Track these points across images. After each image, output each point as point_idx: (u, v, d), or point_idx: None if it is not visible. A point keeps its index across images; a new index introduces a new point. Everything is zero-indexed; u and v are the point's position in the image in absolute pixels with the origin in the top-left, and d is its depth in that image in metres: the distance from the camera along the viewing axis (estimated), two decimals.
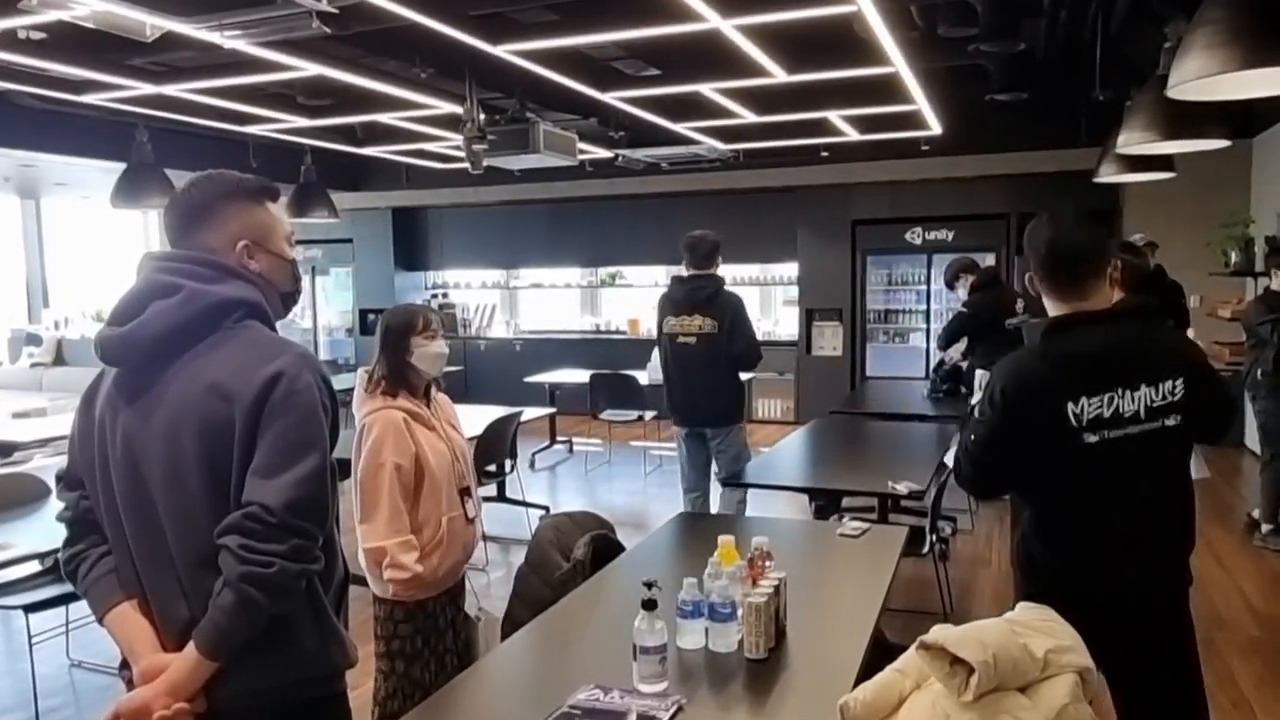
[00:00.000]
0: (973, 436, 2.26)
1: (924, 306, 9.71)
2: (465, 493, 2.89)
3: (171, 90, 5.56)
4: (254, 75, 5.25)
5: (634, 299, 11.60)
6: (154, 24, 3.87)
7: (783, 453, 4.71)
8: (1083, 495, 2.18)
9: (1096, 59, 6.02)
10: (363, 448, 2.67)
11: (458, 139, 6.91)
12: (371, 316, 11.04)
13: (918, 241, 9.55)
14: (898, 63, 5.25)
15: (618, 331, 11.27)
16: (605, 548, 3.00)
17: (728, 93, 6.14)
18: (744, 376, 5.24)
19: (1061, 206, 2.42)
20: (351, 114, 6.91)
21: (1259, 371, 5.29)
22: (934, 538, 3.97)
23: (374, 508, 2.65)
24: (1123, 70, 6.03)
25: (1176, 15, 4.81)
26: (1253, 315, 5.41)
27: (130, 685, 1.63)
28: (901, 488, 3.68)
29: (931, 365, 9.29)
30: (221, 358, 1.60)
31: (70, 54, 4.91)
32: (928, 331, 9.71)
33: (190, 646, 1.55)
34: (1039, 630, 1.83)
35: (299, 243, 12.21)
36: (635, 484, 7.53)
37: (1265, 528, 5.33)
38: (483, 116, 5.76)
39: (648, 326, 10.99)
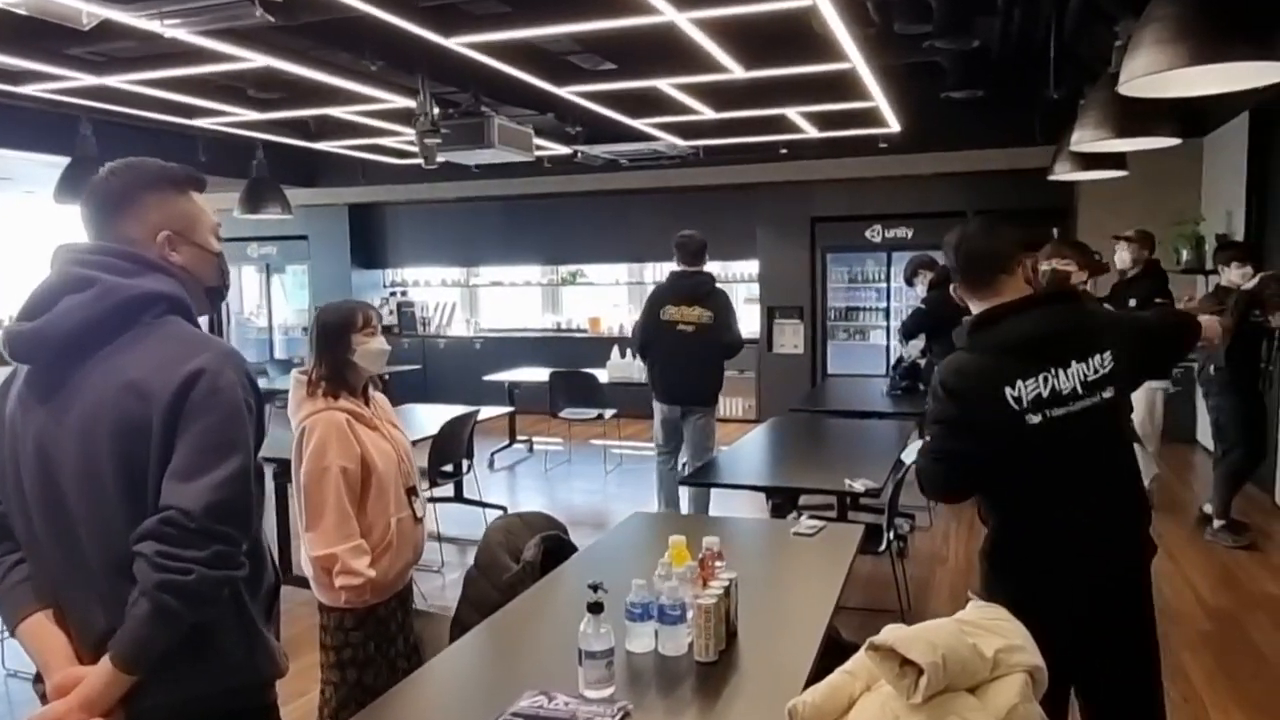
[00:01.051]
0: (928, 438, 2.30)
1: (884, 304, 9.76)
2: (411, 492, 2.82)
3: (114, 81, 5.40)
4: (199, 66, 5.12)
5: (595, 297, 11.55)
6: (90, 11, 3.75)
7: (742, 451, 4.68)
8: (1039, 478, 2.22)
9: (1050, 57, 6.07)
10: (304, 452, 2.57)
11: (413, 134, 6.81)
12: None
13: (877, 239, 9.59)
14: (854, 59, 5.24)
15: (579, 330, 11.20)
16: (557, 549, 2.94)
17: (685, 88, 6.10)
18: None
19: (988, 209, 2.49)
20: (303, 108, 6.77)
21: (1211, 367, 5.36)
22: (891, 535, 3.96)
23: (320, 513, 2.56)
24: (1076, 69, 6.08)
25: (1127, 14, 4.85)
26: (1203, 309, 5.49)
27: (45, 699, 1.55)
28: (858, 485, 3.66)
29: (891, 362, 9.37)
30: (139, 355, 1.52)
31: (5, 43, 4.75)
32: (888, 329, 9.76)
33: (105, 659, 1.47)
34: (989, 629, 1.81)
35: (253, 240, 12.02)
36: (595, 483, 7.47)
37: (1217, 523, 5.40)
38: (436, 110, 5.68)
39: (609, 325, 10.96)
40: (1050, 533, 2.25)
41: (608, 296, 11.53)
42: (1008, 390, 2.15)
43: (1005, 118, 8.09)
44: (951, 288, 2.40)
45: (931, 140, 8.58)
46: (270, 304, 12.35)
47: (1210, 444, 7.43)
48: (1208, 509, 5.58)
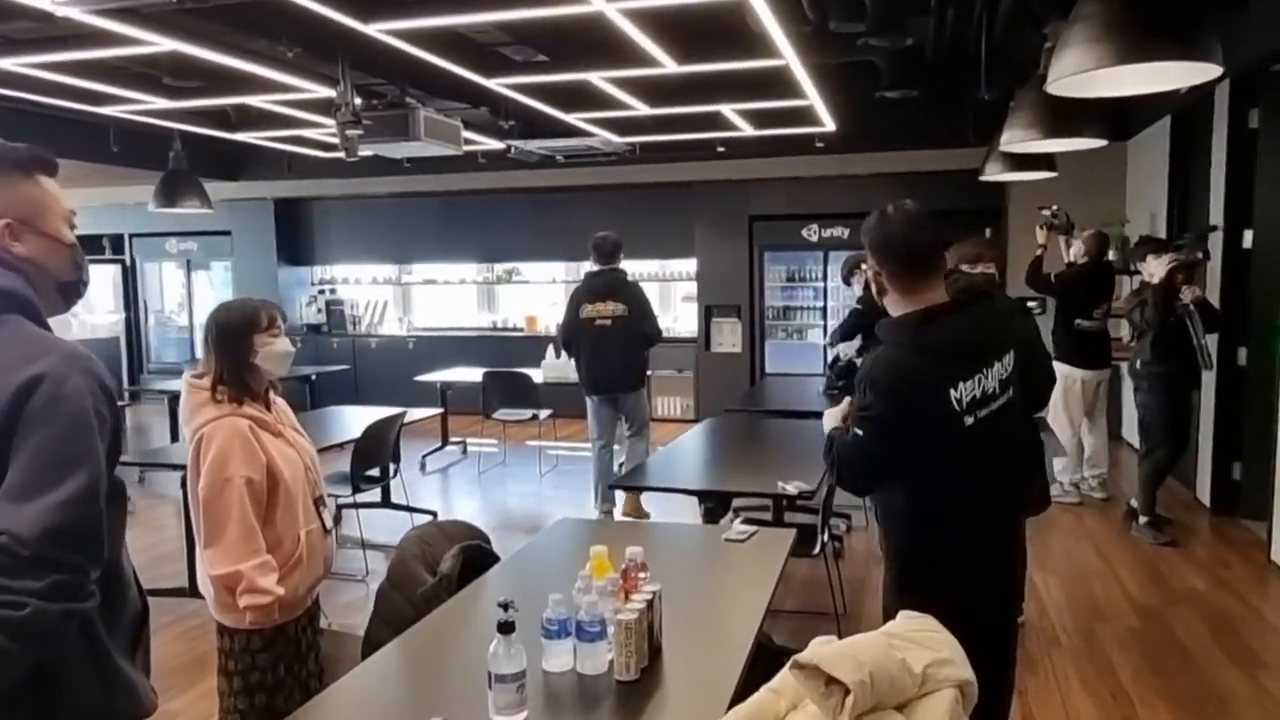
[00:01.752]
0: (858, 432, 2.21)
1: (821, 303, 9.77)
2: (320, 502, 2.66)
3: (9, 64, 5.09)
4: (102, 49, 4.84)
5: (532, 295, 11.38)
6: None
7: (676, 452, 4.59)
8: (962, 476, 2.22)
9: (982, 59, 6.10)
10: (202, 463, 2.39)
11: (335, 126, 6.59)
12: None
13: (814, 238, 9.60)
14: (788, 55, 5.19)
15: (515, 329, 11.02)
16: (477, 559, 2.80)
17: (619, 82, 5.99)
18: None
19: (900, 201, 2.47)
20: (221, 96, 6.49)
21: (1139, 361, 5.43)
22: (825, 537, 3.90)
23: (222, 529, 2.38)
24: (1007, 70, 6.12)
25: (1056, 16, 4.88)
26: (1127, 304, 5.59)
27: None
28: (791, 488, 3.59)
29: (828, 361, 9.38)
30: None
31: None
32: (825, 328, 9.77)
33: None
34: (917, 642, 1.73)
35: (172, 235, 11.56)
36: (530, 485, 7.32)
37: (1142, 519, 5.48)
38: (358, 101, 5.47)
39: (546, 324, 10.80)
40: (968, 531, 2.26)
41: (545, 295, 11.36)
42: (951, 392, 2.14)
43: (939, 118, 8.15)
44: (871, 278, 2.33)
45: (867, 140, 8.61)
46: (192, 302, 11.91)
47: (1134, 440, 7.60)
48: (1134, 503, 5.66)
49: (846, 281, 6.89)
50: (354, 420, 5.72)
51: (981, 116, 7.24)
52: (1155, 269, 5.32)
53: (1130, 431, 7.75)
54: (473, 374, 8.14)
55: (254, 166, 10.45)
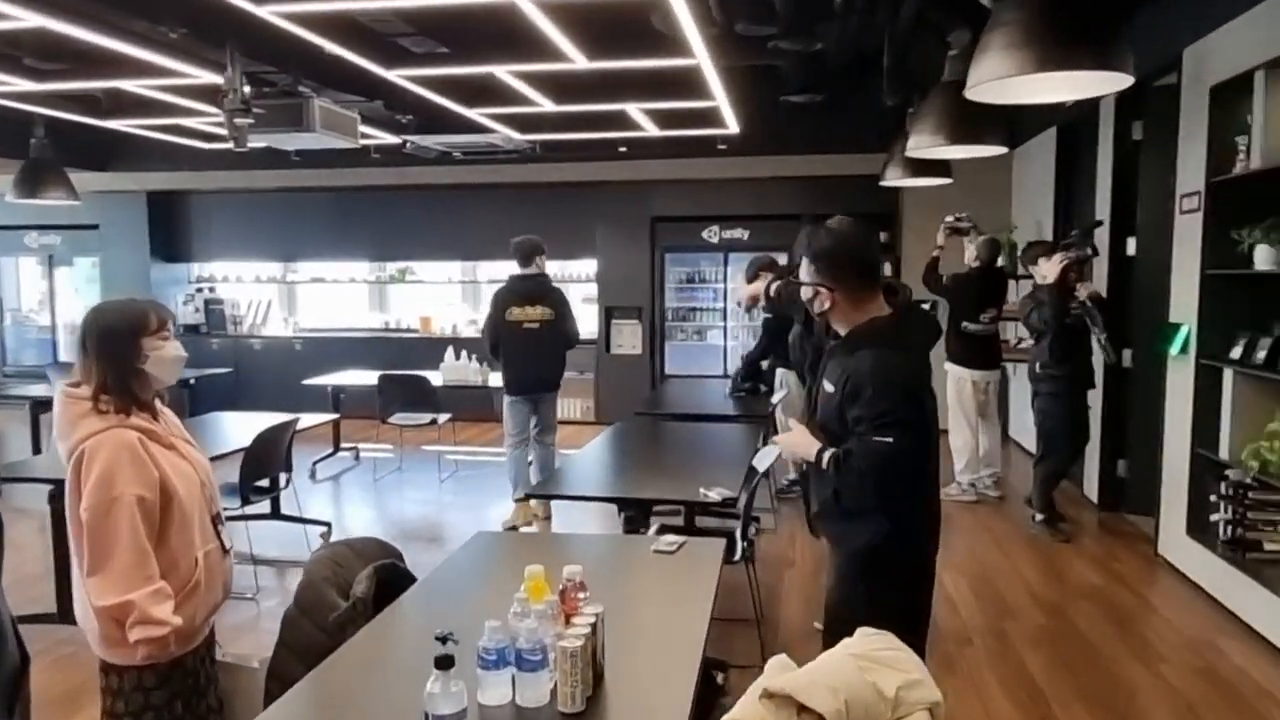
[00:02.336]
0: (886, 440, 2.23)
1: (721, 305, 9.80)
2: (217, 519, 2.42)
3: None
4: None
5: (426, 296, 11.03)
6: None
7: (588, 458, 4.45)
8: (933, 465, 2.45)
9: (884, 66, 6.19)
10: (84, 482, 2.12)
11: (222, 114, 6.18)
12: None
13: (715, 240, 9.62)
14: (700, 54, 5.12)
15: (409, 330, 10.65)
16: (392, 579, 2.61)
17: (524, 77, 5.82)
18: None
19: (839, 212, 2.81)
20: (92, 79, 5.99)
21: (1037, 365, 5.60)
22: (745, 543, 3.84)
23: (108, 554, 2.11)
24: (907, 78, 6.23)
25: (958, 25, 4.98)
26: (1023, 308, 5.75)
27: None
28: (714, 494, 3.52)
29: (732, 363, 9.42)
30: None
31: None
32: (725, 329, 9.82)
33: None
34: (885, 663, 1.66)
35: (33, 228, 10.75)
36: (429, 492, 7.05)
37: (1038, 517, 5.65)
38: (248, 89, 5.13)
39: (441, 325, 10.49)
40: (935, 516, 2.48)
41: (440, 295, 11.03)
42: (926, 394, 2.38)
43: (839, 124, 8.28)
44: (813, 293, 2.40)
45: (768, 143, 8.67)
46: (54, 300, 11.07)
47: (1021, 439, 7.89)
48: (1030, 501, 5.84)
49: (751, 283, 6.91)
50: (241, 427, 5.37)
51: (882, 122, 7.37)
52: (1048, 270, 5.48)
53: (1017, 431, 8.04)
54: (366, 377, 7.79)
55: (126, 156, 9.77)
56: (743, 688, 3.70)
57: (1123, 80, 3.07)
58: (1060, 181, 7.43)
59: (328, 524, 5.71)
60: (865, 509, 2.37)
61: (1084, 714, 3.41)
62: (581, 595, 2.06)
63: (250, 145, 4.98)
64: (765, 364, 6.60)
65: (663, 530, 3.78)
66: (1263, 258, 4.27)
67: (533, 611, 1.91)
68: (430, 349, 9.36)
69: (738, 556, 3.77)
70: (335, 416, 6.57)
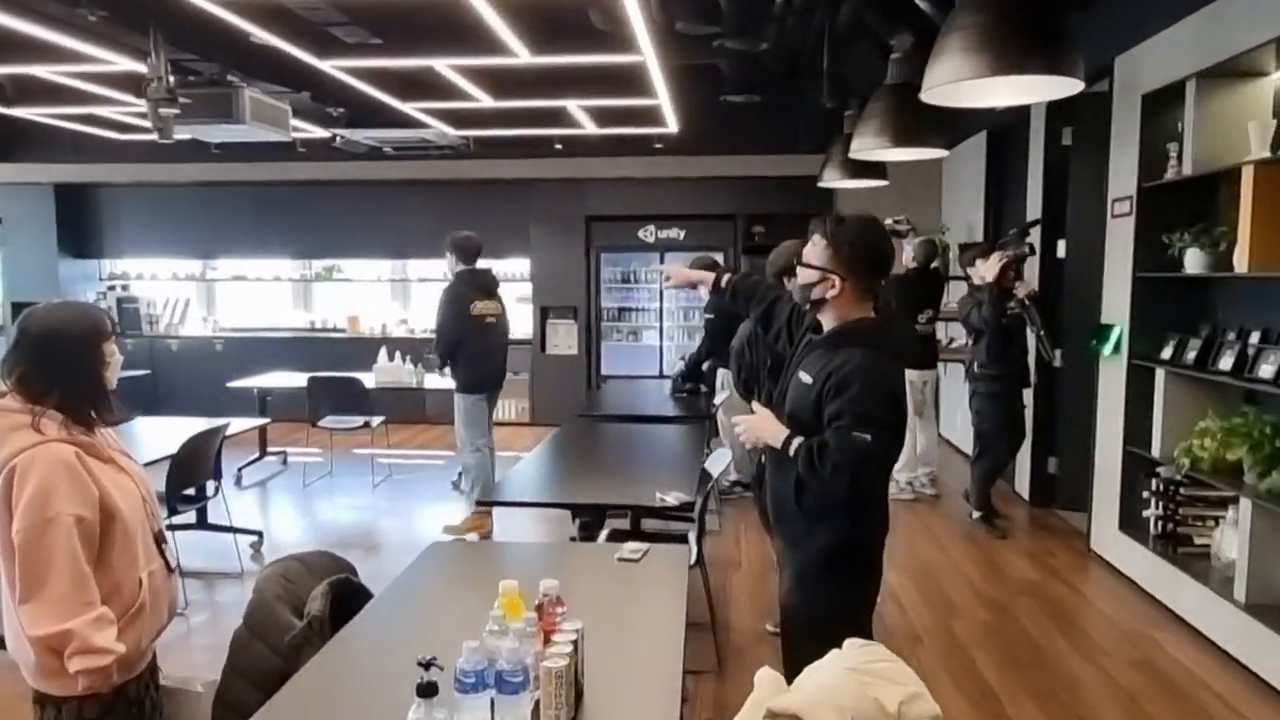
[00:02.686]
0: (865, 437, 2.25)
1: (657, 305, 9.77)
2: (160, 537, 2.26)
3: None
4: None
5: (354, 294, 10.72)
6: None
7: (536, 463, 4.34)
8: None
9: (824, 68, 6.23)
10: (15, 502, 1.94)
11: (140, 103, 5.88)
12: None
13: (650, 239, 9.58)
14: (646, 52, 5.07)
15: (336, 329, 10.35)
16: (347, 595, 2.48)
17: (464, 71, 5.68)
18: None
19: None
20: None
21: (975, 365, 5.69)
22: (699, 548, 3.80)
23: (43, 580, 1.94)
24: (841, 80, 6.28)
25: (896, 29, 5.03)
26: (963, 309, 5.84)
27: None
28: (670, 499, 3.47)
29: (667, 364, 9.41)
30: None
31: None
32: (660, 329, 9.79)
33: None
34: (884, 677, 1.62)
35: None
36: (362, 498, 6.83)
37: (975, 515, 5.76)
38: (173, 79, 4.88)
39: (371, 325, 10.23)
40: (884, 533, 2.52)
41: (369, 294, 10.74)
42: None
43: (775, 125, 8.33)
44: (818, 275, 2.38)
45: (705, 143, 8.68)
46: None
47: (951, 437, 8.06)
48: (968, 496, 5.95)
49: (693, 287, 6.88)
50: (163, 433, 5.10)
51: (817, 124, 7.42)
52: (986, 270, 5.58)
53: (948, 430, 8.21)
54: (293, 379, 7.54)
55: (31, 146, 9.27)
56: (701, 694, 3.66)
57: (1073, 85, 3.11)
58: (991, 184, 7.60)
59: (259, 533, 5.48)
60: (828, 504, 2.39)
61: (1035, 710, 3.46)
62: (560, 610, 1.98)
63: (176, 137, 4.73)
64: (706, 365, 6.58)
65: (614, 535, 3.72)
66: (1193, 261, 4.41)
67: (511, 630, 1.83)
68: (359, 349, 9.12)
69: (693, 561, 3.73)
70: (265, 421, 6.30)
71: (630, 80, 5.91)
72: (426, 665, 1.57)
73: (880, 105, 4.86)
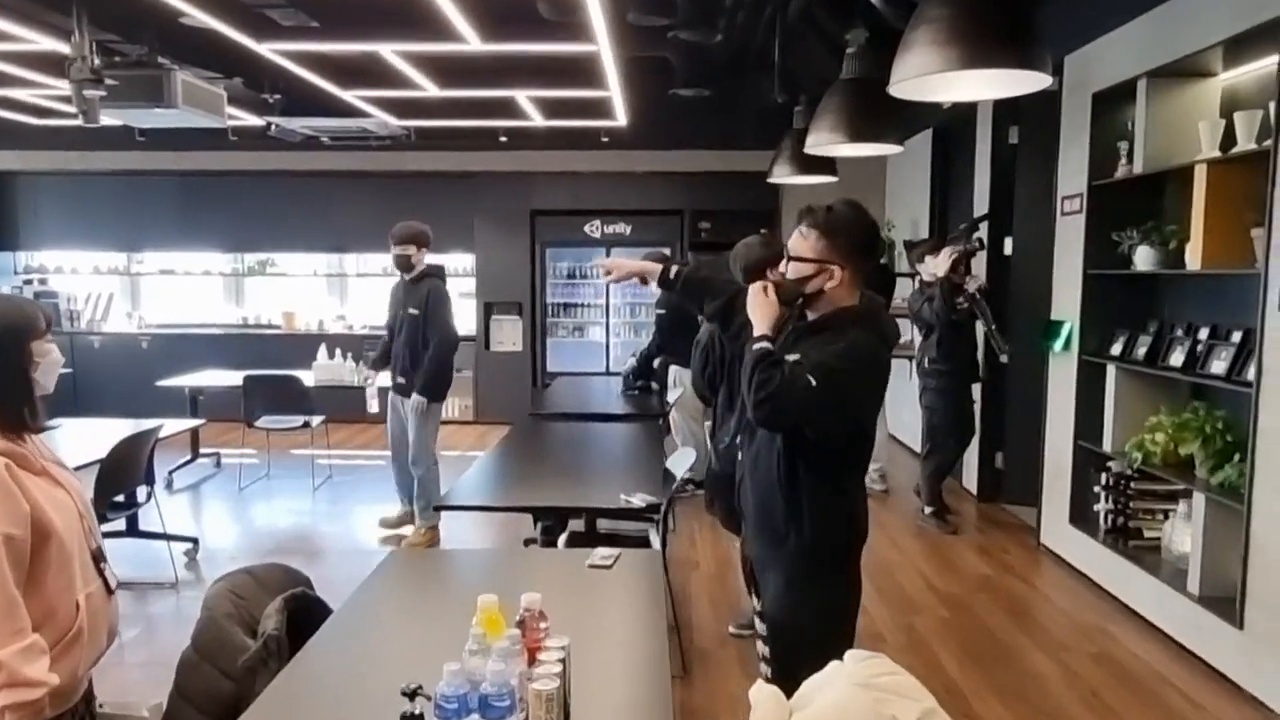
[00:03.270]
0: (810, 380, 2.15)
1: (603, 301, 9.66)
2: (99, 555, 2.08)
3: None
4: None
5: (289, 289, 10.37)
6: None
7: (491, 465, 4.18)
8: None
9: (774, 62, 6.18)
10: None
11: (61, 86, 5.54)
12: None
13: (597, 234, 9.47)
14: (601, 40, 4.94)
15: (270, 326, 9.99)
16: (303, 611, 2.33)
17: (411, 57, 5.48)
18: None
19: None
20: None
21: (925, 360, 5.71)
22: (665, 550, 3.71)
23: None
24: (795, 75, 6.24)
25: (845, 24, 5.00)
26: (913, 304, 5.86)
27: None
28: (637, 500, 3.37)
29: (614, 361, 9.31)
30: None
31: None
32: (607, 326, 9.68)
33: None
34: (895, 691, 1.54)
35: None
36: (303, 501, 6.58)
37: (927, 510, 5.79)
38: (98, 60, 4.59)
39: (307, 321, 9.92)
40: (866, 522, 2.46)
41: (304, 289, 10.40)
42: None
43: (722, 120, 8.26)
44: (815, 267, 2.31)
45: (652, 138, 8.57)
46: None
47: (901, 434, 8.12)
48: (919, 492, 5.98)
49: (644, 280, 6.78)
50: (90, 437, 4.83)
51: (764, 119, 7.38)
52: (936, 266, 5.59)
53: (895, 426, 8.25)
54: (227, 377, 7.24)
55: None
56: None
57: (1042, 80, 3.08)
58: (937, 181, 7.65)
59: (194, 540, 5.23)
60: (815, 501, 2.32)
61: (1000, 707, 3.46)
62: (543, 625, 1.86)
63: (103, 122, 4.45)
64: (657, 362, 6.49)
65: (573, 539, 3.60)
66: (1143, 258, 4.47)
67: (494, 650, 1.70)
68: (295, 346, 8.82)
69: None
70: (200, 422, 5.99)
71: (581, 71, 5.78)
72: (412, 695, 1.44)
73: (836, 101, 4.81)
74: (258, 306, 10.40)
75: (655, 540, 3.87)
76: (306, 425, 6.83)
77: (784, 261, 2.44)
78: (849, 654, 1.73)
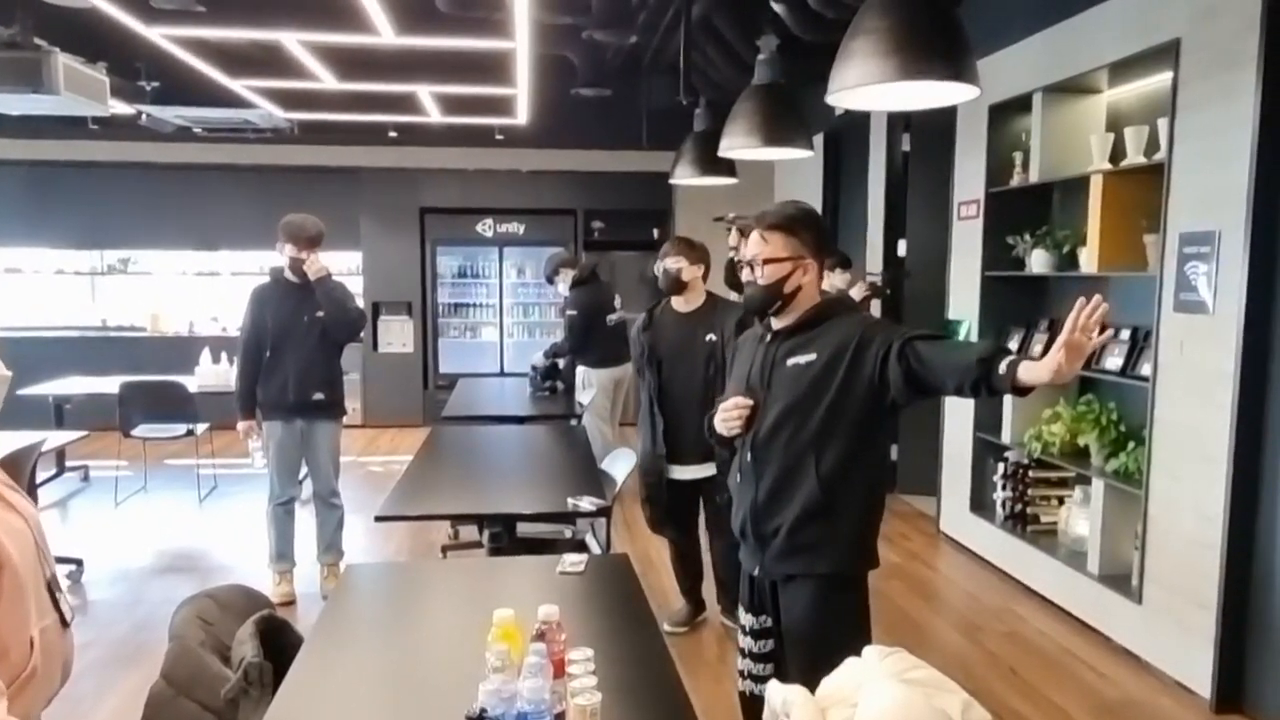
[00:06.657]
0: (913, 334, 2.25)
1: (496, 300, 9.51)
2: (54, 586, 1.90)
3: None
4: None
5: (152, 290, 9.70)
6: None
7: (420, 472, 4.00)
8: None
9: (680, 66, 6.24)
10: None
11: None
12: None
13: (489, 233, 9.31)
14: (520, 37, 4.88)
15: (134, 328, 9.34)
16: (273, 632, 2.20)
17: (317, 49, 5.24)
18: None
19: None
20: None
21: None
22: (605, 551, 3.70)
23: None
24: (698, 77, 6.33)
25: (757, 30, 5.12)
26: None
27: None
28: (585, 504, 3.33)
29: (509, 362, 9.19)
30: None
31: None
32: (501, 326, 9.54)
33: None
34: (936, 686, 1.61)
35: None
36: (189, 514, 6.19)
37: None
38: None
39: (175, 324, 9.34)
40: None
41: (169, 289, 9.75)
42: None
43: (617, 120, 8.28)
44: (790, 266, 2.34)
45: (546, 136, 8.51)
46: None
47: None
48: None
49: (550, 280, 6.73)
50: None
51: (659, 121, 7.45)
52: (839, 282, 5.77)
53: None
54: (95, 384, 6.74)
55: None
56: None
57: (972, 91, 3.24)
58: (828, 186, 7.91)
59: (78, 560, 4.84)
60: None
61: None
62: (562, 637, 1.83)
63: None
64: (563, 363, 6.45)
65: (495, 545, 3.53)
66: (1037, 261, 4.76)
67: (527, 665, 1.66)
68: (169, 350, 8.31)
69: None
70: (82, 434, 5.49)
71: (492, 68, 5.68)
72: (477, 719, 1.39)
73: (749, 105, 4.90)
74: (118, 308, 9.68)
75: (593, 544, 3.88)
76: (190, 433, 6.43)
77: (750, 270, 2.43)
78: (869, 649, 1.79)
